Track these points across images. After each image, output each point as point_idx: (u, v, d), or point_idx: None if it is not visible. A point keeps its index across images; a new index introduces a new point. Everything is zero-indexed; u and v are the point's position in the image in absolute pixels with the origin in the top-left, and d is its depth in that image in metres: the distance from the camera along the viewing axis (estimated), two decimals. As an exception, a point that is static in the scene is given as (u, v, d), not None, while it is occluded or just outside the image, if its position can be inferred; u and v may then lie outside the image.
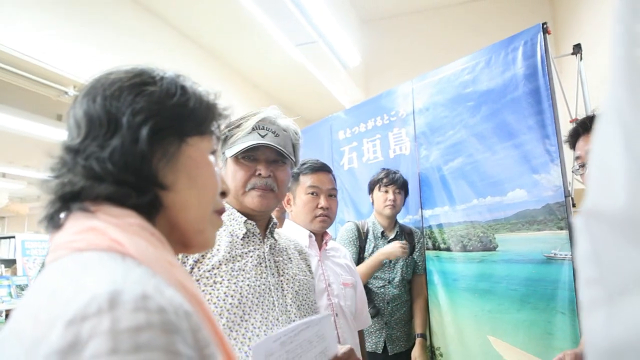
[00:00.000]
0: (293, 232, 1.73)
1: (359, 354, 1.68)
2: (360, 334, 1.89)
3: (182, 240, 0.61)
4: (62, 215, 0.54)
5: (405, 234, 2.39)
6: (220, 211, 0.65)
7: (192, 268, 1.08)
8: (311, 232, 1.71)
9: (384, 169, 2.41)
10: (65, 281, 0.44)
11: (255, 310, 1.09)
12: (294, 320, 1.15)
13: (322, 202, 1.70)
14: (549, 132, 1.85)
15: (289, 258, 1.29)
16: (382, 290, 2.23)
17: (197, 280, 1.06)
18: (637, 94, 0.32)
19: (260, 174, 1.18)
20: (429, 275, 2.40)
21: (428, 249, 2.42)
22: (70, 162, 0.54)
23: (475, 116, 2.19)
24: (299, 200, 1.74)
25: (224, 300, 1.06)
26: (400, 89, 2.68)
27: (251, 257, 1.18)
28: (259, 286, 1.13)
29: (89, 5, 2.83)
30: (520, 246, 1.95)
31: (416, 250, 2.38)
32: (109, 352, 0.36)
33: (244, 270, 1.13)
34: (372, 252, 2.28)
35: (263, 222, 1.26)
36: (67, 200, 0.53)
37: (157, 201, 0.56)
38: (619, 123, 0.33)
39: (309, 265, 1.39)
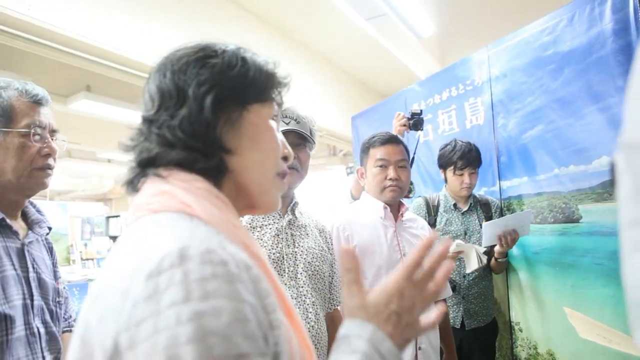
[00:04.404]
0: (368, 203, 1.78)
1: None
2: (442, 304, 1.88)
3: (249, 202, 0.66)
4: (140, 180, 0.61)
5: (480, 204, 2.31)
6: (282, 174, 0.69)
7: None
8: (385, 203, 1.73)
9: (454, 143, 2.25)
10: (143, 240, 0.51)
11: None
12: (302, 287, 1.28)
13: (391, 173, 1.72)
14: (642, 93, 1.68)
15: (307, 233, 1.40)
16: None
17: None
18: None
19: None
20: (508, 249, 2.31)
21: (507, 222, 2.32)
22: (146, 132, 0.61)
23: (556, 80, 2.04)
24: (369, 173, 1.77)
25: None
26: (474, 56, 2.56)
27: (270, 229, 1.31)
28: (274, 254, 1.27)
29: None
30: (607, 217, 1.81)
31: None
32: (183, 299, 0.42)
33: (261, 239, 1.27)
34: (445, 225, 2.24)
35: (285, 200, 1.38)
36: (144, 166, 0.60)
37: (223, 165, 0.61)
38: None
39: (327, 242, 1.49)
